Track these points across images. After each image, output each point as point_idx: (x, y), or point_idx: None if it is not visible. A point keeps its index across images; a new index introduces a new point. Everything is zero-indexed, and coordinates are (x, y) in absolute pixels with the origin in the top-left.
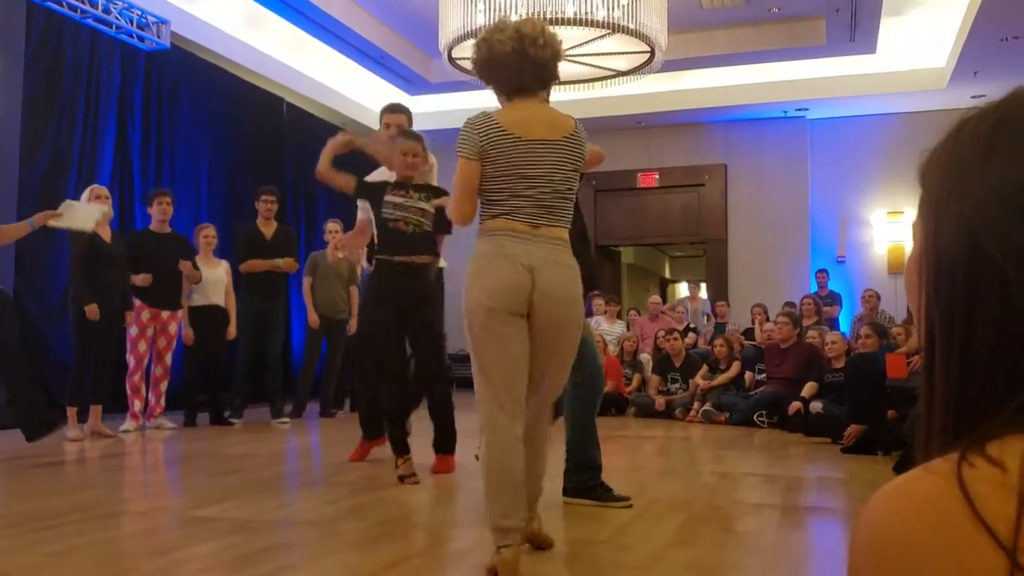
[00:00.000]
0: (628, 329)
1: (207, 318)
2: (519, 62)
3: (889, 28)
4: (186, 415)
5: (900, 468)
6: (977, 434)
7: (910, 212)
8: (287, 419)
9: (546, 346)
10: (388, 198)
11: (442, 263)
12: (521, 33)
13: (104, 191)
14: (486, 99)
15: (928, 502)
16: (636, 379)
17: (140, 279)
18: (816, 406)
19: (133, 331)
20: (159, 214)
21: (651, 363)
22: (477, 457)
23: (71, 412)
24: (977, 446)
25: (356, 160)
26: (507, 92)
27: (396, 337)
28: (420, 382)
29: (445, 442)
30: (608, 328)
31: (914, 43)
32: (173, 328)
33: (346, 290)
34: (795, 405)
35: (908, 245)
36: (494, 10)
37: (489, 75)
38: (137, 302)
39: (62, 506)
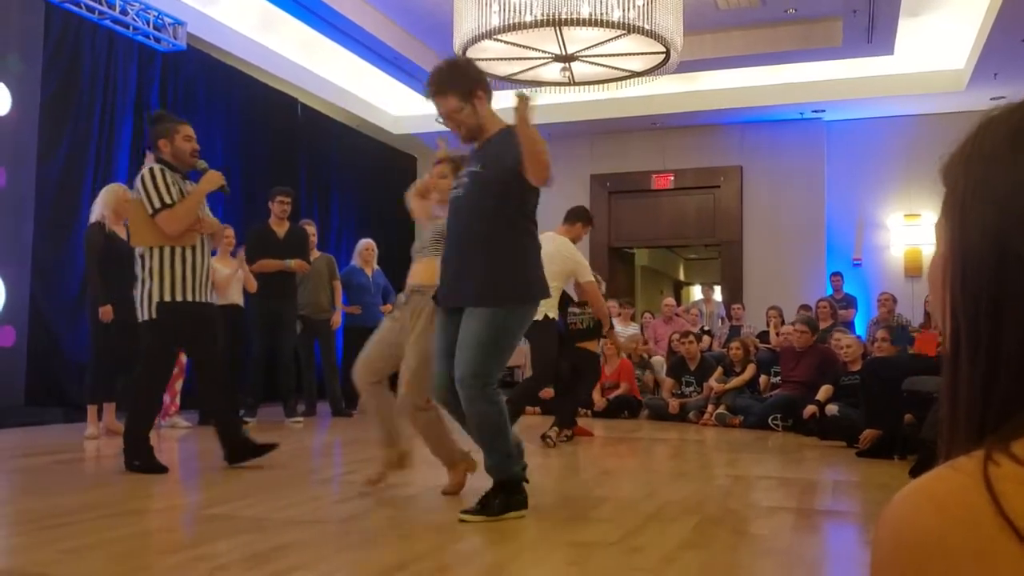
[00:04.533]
0: (643, 331)
1: (225, 318)
2: None
3: (907, 29)
4: (201, 414)
5: (916, 472)
6: (1002, 433)
7: (927, 215)
8: (300, 419)
9: None
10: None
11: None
12: None
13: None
14: (500, 100)
15: (952, 500)
16: (648, 378)
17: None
18: (832, 408)
19: None
20: None
21: (665, 366)
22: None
23: (91, 410)
24: (1002, 445)
25: None
26: None
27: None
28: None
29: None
30: (622, 330)
31: (932, 44)
32: None
33: (329, 287)
34: (810, 409)
35: (925, 248)
36: (508, 11)
37: None
38: None
39: (77, 503)
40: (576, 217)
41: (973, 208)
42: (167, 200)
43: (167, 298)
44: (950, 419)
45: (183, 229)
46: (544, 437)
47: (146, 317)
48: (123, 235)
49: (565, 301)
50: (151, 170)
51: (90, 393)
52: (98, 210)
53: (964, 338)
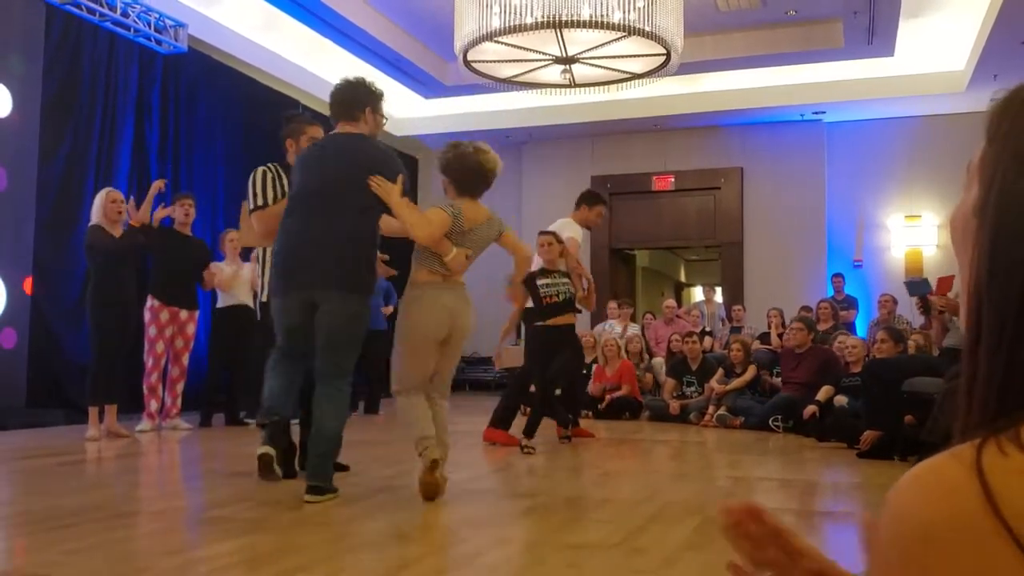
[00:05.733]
0: (643, 332)
1: (234, 318)
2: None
3: (907, 31)
4: (202, 416)
5: None
6: (1014, 418)
7: (928, 216)
8: None
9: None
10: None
11: None
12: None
13: (119, 195)
14: (501, 102)
15: (952, 491)
16: (648, 378)
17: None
18: (841, 399)
19: (152, 331)
20: (181, 216)
21: (664, 367)
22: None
23: (92, 412)
24: (1011, 432)
25: None
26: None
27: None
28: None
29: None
30: (621, 331)
31: (933, 46)
32: (191, 329)
33: None
34: (810, 409)
35: (926, 250)
36: (509, 13)
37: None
38: (156, 302)
39: (78, 505)
40: (580, 201)
41: (1011, 185)
42: (259, 202)
43: (264, 299)
44: (966, 400)
45: (269, 230)
46: (522, 448)
47: (259, 318)
48: (118, 235)
49: (533, 277)
50: (255, 171)
51: (92, 395)
52: (96, 214)
53: (987, 319)
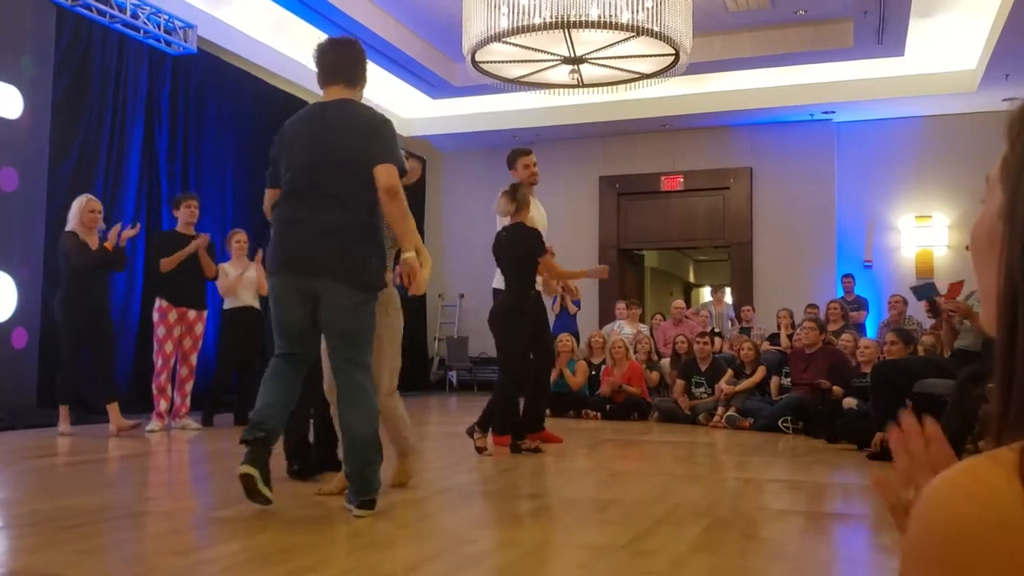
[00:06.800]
0: (651, 333)
1: (240, 319)
2: None
3: (918, 30)
4: (204, 414)
5: None
6: None
7: (938, 216)
8: None
9: None
10: None
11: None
12: None
13: (98, 204)
14: (509, 103)
15: (991, 493)
16: (654, 376)
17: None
18: (850, 402)
19: (160, 331)
20: (186, 216)
21: (668, 368)
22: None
23: (63, 409)
24: None
25: None
26: None
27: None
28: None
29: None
30: (630, 331)
31: (943, 45)
32: (199, 329)
33: None
34: (824, 383)
35: (936, 250)
36: (517, 13)
37: None
38: (164, 303)
39: (88, 505)
40: (508, 168)
41: None
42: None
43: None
44: (1002, 401)
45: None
46: (523, 449)
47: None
48: (93, 244)
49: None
50: None
51: (61, 393)
52: (72, 220)
53: (1022, 320)
